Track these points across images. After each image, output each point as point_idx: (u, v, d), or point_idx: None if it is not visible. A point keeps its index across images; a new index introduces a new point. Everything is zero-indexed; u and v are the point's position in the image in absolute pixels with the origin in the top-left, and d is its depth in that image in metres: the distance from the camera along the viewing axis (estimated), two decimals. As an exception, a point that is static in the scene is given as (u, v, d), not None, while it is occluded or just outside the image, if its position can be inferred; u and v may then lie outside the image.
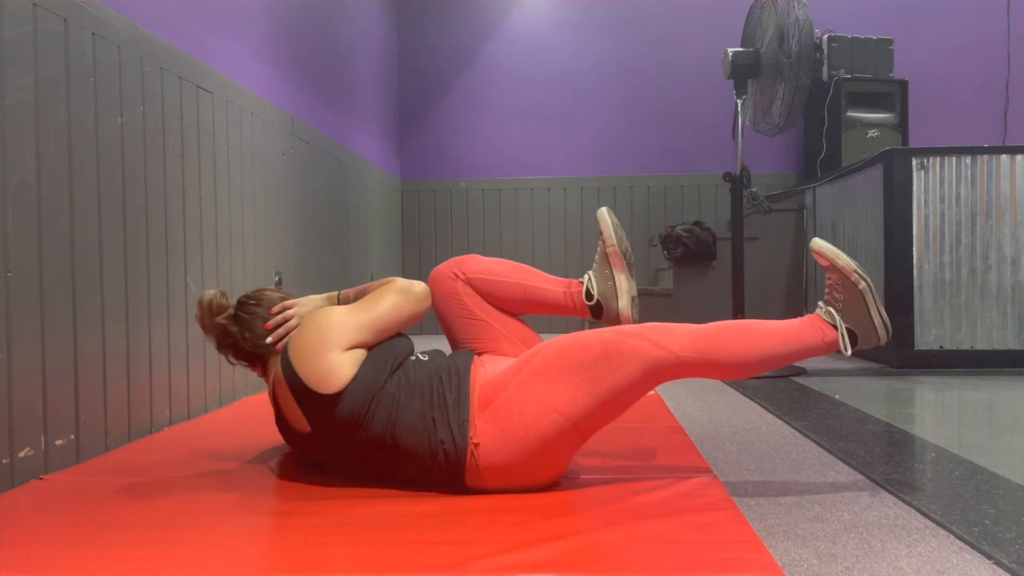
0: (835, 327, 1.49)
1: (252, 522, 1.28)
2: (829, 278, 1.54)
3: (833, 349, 1.50)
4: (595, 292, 1.68)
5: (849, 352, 1.49)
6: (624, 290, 1.67)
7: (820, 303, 1.55)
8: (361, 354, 1.42)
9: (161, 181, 2.15)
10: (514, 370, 1.41)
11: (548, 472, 1.40)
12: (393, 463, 1.41)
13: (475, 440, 1.35)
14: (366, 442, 1.39)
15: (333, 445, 1.42)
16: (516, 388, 1.38)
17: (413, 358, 1.49)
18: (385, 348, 1.46)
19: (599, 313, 1.69)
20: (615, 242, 1.68)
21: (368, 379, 1.38)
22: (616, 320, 1.68)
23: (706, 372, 1.46)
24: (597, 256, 1.71)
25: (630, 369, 1.38)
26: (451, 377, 1.42)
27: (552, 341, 1.44)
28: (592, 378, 1.37)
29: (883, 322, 1.50)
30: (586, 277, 1.70)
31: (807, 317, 1.52)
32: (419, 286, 1.53)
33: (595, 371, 1.38)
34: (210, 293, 1.61)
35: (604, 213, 1.71)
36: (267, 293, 1.62)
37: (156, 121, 2.12)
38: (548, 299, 1.70)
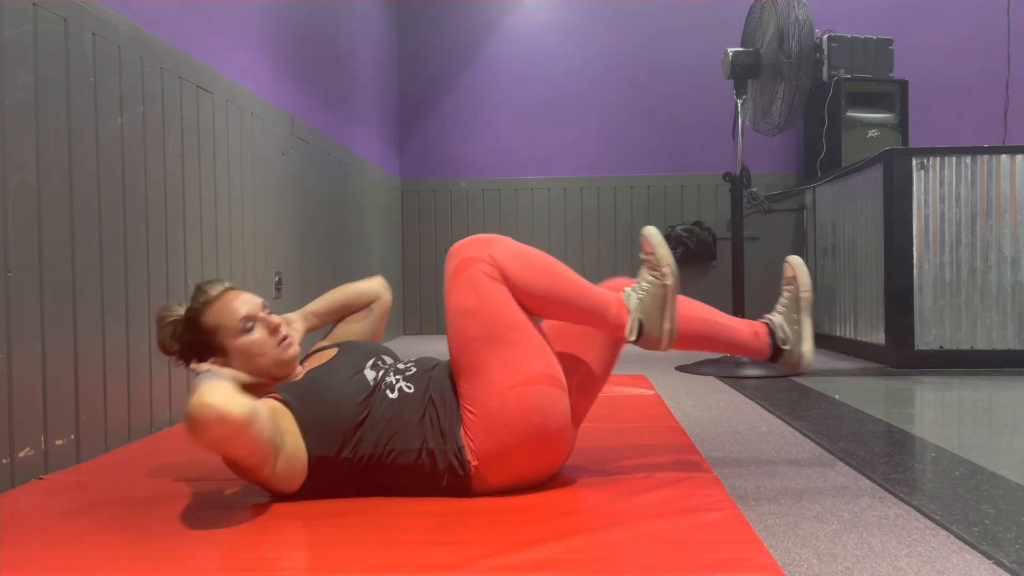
0: (629, 311, 1.48)
1: (252, 522, 1.28)
2: (646, 260, 1.52)
3: (617, 331, 1.48)
4: (779, 336, 1.63)
5: (633, 338, 1.47)
6: (808, 335, 1.64)
7: (626, 288, 1.53)
8: (291, 446, 1.31)
9: (161, 181, 2.15)
10: (465, 376, 1.40)
11: (552, 452, 1.40)
12: (397, 490, 1.40)
13: (474, 463, 1.36)
14: (363, 486, 1.39)
15: (331, 490, 1.40)
16: (474, 391, 1.37)
17: (393, 396, 1.40)
18: (330, 395, 1.36)
19: (781, 356, 1.65)
20: (808, 289, 1.64)
21: (333, 443, 1.34)
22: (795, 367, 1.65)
23: (515, 288, 1.42)
24: (786, 300, 1.66)
25: (487, 297, 1.38)
26: (444, 401, 1.41)
27: (451, 336, 1.42)
28: (496, 335, 1.37)
29: (670, 329, 1.47)
30: (770, 320, 1.66)
31: (617, 295, 1.50)
32: (238, 411, 1.17)
33: (489, 328, 1.37)
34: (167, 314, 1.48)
35: (800, 262, 1.66)
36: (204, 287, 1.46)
37: (156, 121, 2.12)
38: (736, 339, 1.63)
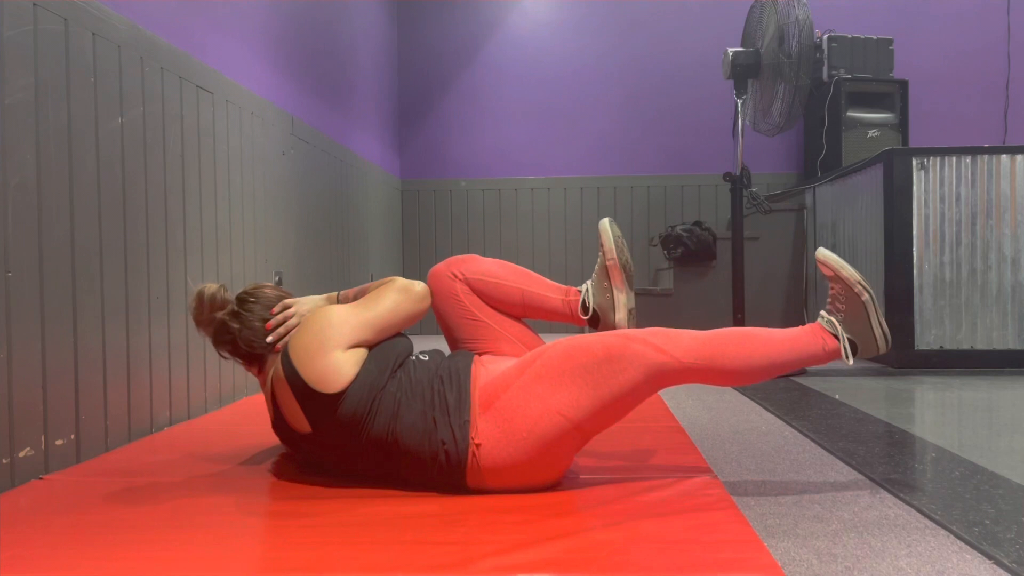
0: (836, 337, 1.50)
1: (252, 522, 1.28)
2: (832, 288, 1.55)
3: (834, 358, 1.51)
4: (592, 304, 1.69)
5: (851, 361, 1.50)
6: (622, 303, 1.67)
7: (822, 312, 1.56)
8: (362, 353, 1.42)
9: (161, 181, 2.15)
10: (516, 371, 1.41)
11: (549, 473, 1.41)
12: (393, 463, 1.41)
13: (476, 441, 1.36)
14: (367, 442, 1.39)
15: (333, 445, 1.42)
16: (518, 390, 1.38)
17: (413, 358, 1.49)
18: (386, 348, 1.46)
19: (596, 323, 1.70)
20: (615, 255, 1.68)
21: (370, 379, 1.38)
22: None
23: (708, 378, 1.46)
24: (596, 267, 1.71)
25: (633, 373, 1.39)
26: (452, 378, 1.42)
27: (555, 343, 1.45)
28: (595, 381, 1.37)
29: (883, 333, 1.51)
30: (584, 287, 1.71)
31: (809, 326, 1.53)
32: (419, 285, 1.53)
33: (598, 374, 1.38)
34: (212, 287, 1.59)
35: (606, 225, 1.70)
36: (265, 291, 1.61)
37: (156, 121, 2.12)
38: (546, 305, 1.70)
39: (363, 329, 1.43)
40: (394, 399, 1.39)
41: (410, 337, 1.57)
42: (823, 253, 1.56)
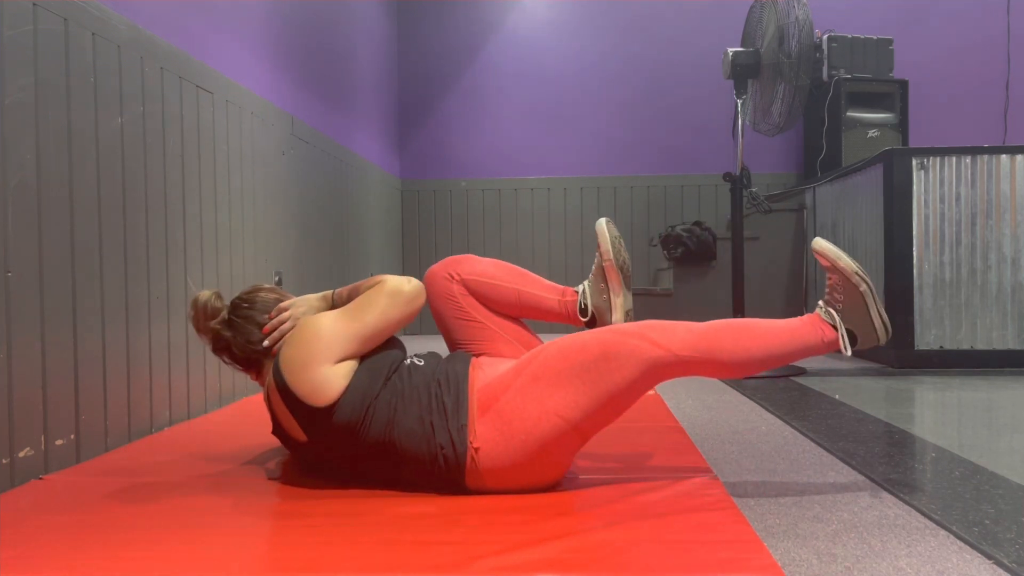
0: (835, 327, 1.49)
1: (252, 522, 1.28)
2: (830, 278, 1.54)
3: (832, 349, 1.50)
4: (590, 305, 1.68)
5: (849, 352, 1.49)
6: (619, 305, 1.66)
7: (820, 303, 1.54)
8: (352, 364, 1.40)
9: (161, 181, 2.15)
10: (513, 373, 1.41)
11: (549, 474, 1.40)
12: (392, 467, 1.40)
13: (475, 444, 1.35)
14: (364, 448, 1.39)
15: (331, 452, 1.41)
16: (516, 392, 1.38)
17: (408, 362, 1.48)
18: (378, 355, 1.45)
19: (594, 324, 1.68)
20: (612, 256, 1.66)
21: (362, 388, 1.38)
22: None
23: (705, 371, 1.45)
24: (593, 268, 1.71)
25: (630, 369, 1.38)
26: (449, 381, 1.42)
27: (551, 343, 1.44)
28: (592, 380, 1.37)
29: (883, 323, 1.50)
30: (581, 288, 1.70)
31: (807, 316, 1.52)
32: (410, 285, 1.49)
33: (595, 372, 1.37)
34: (204, 295, 1.58)
35: (603, 225, 1.69)
36: (261, 294, 1.59)
37: (156, 121, 2.12)
38: (543, 306, 1.70)
39: (352, 341, 1.41)
40: (389, 406, 1.38)
41: (410, 337, 1.56)
42: (820, 243, 1.54)
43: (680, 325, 1.45)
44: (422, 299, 1.52)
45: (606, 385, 1.37)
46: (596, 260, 1.69)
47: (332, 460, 1.44)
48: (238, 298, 1.59)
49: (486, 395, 1.39)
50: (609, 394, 1.37)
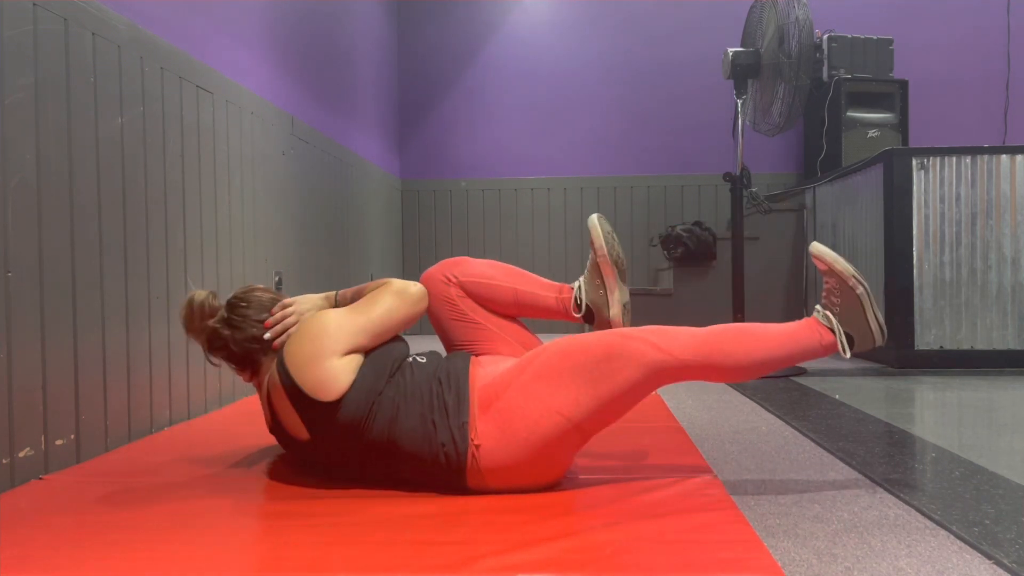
0: (832, 331, 1.50)
1: (252, 522, 1.28)
2: (827, 282, 1.55)
3: (831, 352, 1.51)
4: (585, 300, 1.69)
5: (848, 355, 1.50)
6: (615, 299, 1.67)
7: (817, 307, 1.55)
8: (358, 359, 1.41)
9: (161, 181, 2.15)
10: (515, 372, 1.41)
11: (549, 473, 1.41)
12: (393, 466, 1.40)
13: (476, 442, 1.35)
14: (366, 446, 1.39)
15: (332, 450, 1.41)
16: (517, 390, 1.38)
17: (410, 360, 1.49)
18: (382, 352, 1.45)
19: (591, 319, 1.69)
20: (605, 252, 1.67)
21: (367, 384, 1.38)
22: (608, 327, 1.67)
23: (706, 375, 1.46)
24: (588, 263, 1.71)
25: (632, 372, 1.39)
26: (450, 379, 1.42)
27: (554, 343, 1.44)
28: (594, 380, 1.37)
29: (879, 326, 1.51)
30: (577, 284, 1.70)
31: (805, 320, 1.53)
32: (415, 287, 1.52)
33: (597, 373, 1.38)
34: (200, 294, 1.58)
35: (595, 221, 1.70)
36: (256, 294, 1.59)
37: (156, 121, 2.12)
38: (540, 304, 1.70)
39: (359, 335, 1.42)
40: (392, 403, 1.39)
41: (408, 338, 1.56)
42: (817, 247, 1.56)
43: (682, 330, 1.46)
44: (425, 302, 1.54)
45: (608, 385, 1.38)
46: (590, 256, 1.70)
47: (332, 459, 1.44)
48: (234, 297, 1.59)
49: (487, 393, 1.39)
50: (611, 394, 1.38)
